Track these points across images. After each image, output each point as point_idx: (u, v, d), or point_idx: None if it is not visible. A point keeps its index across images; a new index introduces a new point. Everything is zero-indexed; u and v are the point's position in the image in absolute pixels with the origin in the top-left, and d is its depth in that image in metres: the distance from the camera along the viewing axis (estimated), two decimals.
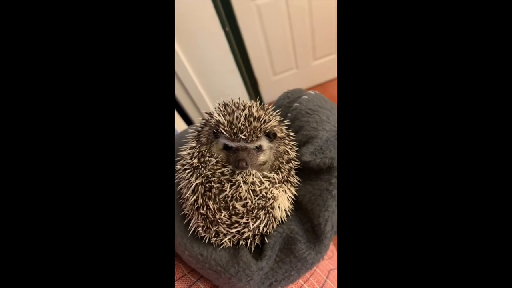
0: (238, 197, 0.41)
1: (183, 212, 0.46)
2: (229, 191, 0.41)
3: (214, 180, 0.42)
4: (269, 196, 0.42)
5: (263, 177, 0.44)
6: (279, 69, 2.14)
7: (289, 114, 0.54)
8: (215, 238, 0.43)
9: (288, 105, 0.56)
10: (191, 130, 0.49)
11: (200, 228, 0.43)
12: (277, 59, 1.98)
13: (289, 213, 0.45)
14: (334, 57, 2.10)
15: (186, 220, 0.46)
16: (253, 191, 0.42)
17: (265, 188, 0.43)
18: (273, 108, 0.51)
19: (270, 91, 2.38)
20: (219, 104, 0.48)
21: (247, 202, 0.41)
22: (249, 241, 0.43)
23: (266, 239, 0.43)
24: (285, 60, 2.01)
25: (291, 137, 0.49)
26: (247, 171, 0.43)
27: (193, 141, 0.47)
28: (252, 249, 0.43)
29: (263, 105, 0.49)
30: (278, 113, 0.50)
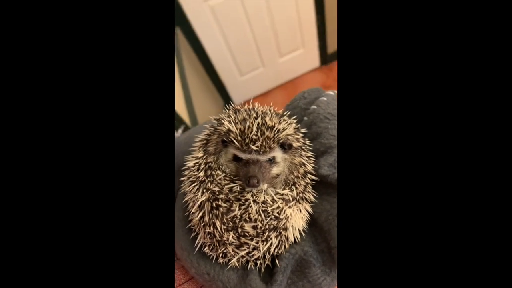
0: (248, 218, 0.38)
1: (189, 225, 0.44)
2: (238, 212, 0.38)
3: (222, 198, 0.39)
4: (281, 216, 0.39)
5: (275, 194, 0.40)
6: (245, 69, 1.97)
7: (305, 118, 0.48)
8: (222, 259, 0.40)
9: (304, 107, 0.51)
10: (198, 138, 0.45)
11: (207, 247, 0.40)
12: (241, 60, 1.84)
13: (302, 233, 0.41)
14: (301, 52, 1.96)
15: (193, 235, 0.43)
16: (264, 211, 0.38)
17: (278, 207, 0.39)
18: (288, 113, 0.45)
19: (240, 92, 2.21)
20: (229, 109, 0.43)
21: (258, 225, 0.38)
22: (258, 262, 0.40)
23: (277, 261, 0.40)
24: (250, 59, 1.87)
25: (308, 147, 0.44)
26: (260, 186, 0.39)
27: (199, 150, 0.43)
28: (262, 270, 0.40)
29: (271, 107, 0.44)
30: (295, 120, 0.45)
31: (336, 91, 0.51)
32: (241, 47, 1.75)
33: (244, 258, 0.40)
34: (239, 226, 0.38)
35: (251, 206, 0.38)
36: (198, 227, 0.41)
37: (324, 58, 2.11)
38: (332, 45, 2.03)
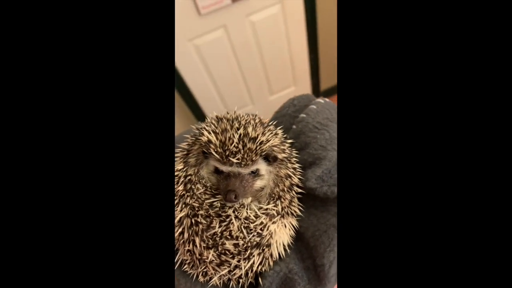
0: (229, 236, 0.36)
1: None
2: (218, 229, 0.36)
3: (201, 214, 0.36)
4: (265, 233, 0.37)
5: (259, 209, 0.38)
6: (233, 107, 1.82)
7: (294, 126, 0.46)
8: (203, 277, 0.38)
9: (293, 114, 0.48)
10: (179, 149, 0.42)
11: (187, 264, 0.38)
12: (229, 98, 1.75)
13: (287, 248, 0.39)
14: (292, 89, 1.87)
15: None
16: (247, 227, 0.36)
17: (261, 223, 0.37)
18: (274, 123, 0.43)
19: None
20: (211, 118, 0.41)
21: (239, 242, 0.36)
22: (241, 280, 0.38)
23: (260, 279, 0.38)
24: (238, 97, 1.78)
25: (295, 159, 0.42)
26: (240, 201, 0.37)
27: (180, 161, 0.41)
28: None
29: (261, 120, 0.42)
30: (281, 129, 0.42)
31: (326, 99, 0.49)
32: (228, 85, 1.68)
33: (226, 277, 0.38)
34: (220, 243, 0.36)
35: (232, 223, 0.36)
36: (177, 243, 0.39)
37: (317, 95, 2.03)
38: (325, 83, 1.96)
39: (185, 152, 0.41)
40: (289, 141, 0.42)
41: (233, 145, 0.36)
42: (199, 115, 1.73)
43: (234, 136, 0.36)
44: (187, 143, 0.42)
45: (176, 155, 0.42)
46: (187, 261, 0.38)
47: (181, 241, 0.38)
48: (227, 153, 0.36)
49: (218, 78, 1.61)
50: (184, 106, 1.66)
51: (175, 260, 0.39)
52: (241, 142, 0.36)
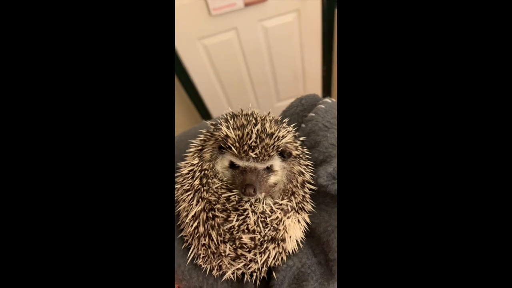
0: (246, 229, 0.36)
1: (181, 235, 0.41)
2: (236, 222, 0.36)
3: (218, 207, 0.37)
4: (280, 227, 0.37)
5: (274, 204, 0.38)
6: (238, 107, 1.80)
7: (303, 125, 0.47)
8: (217, 272, 0.38)
9: (301, 113, 0.50)
10: (193, 144, 0.43)
11: (200, 259, 0.38)
12: (234, 98, 1.73)
13: (300, 244, 0.40)
14: None
15: (184, 245, 0.41)
16: (263, 221, 0.37)
17: (277, 218, 0.37)
18: (287, 120, 0.44)
19: None
20: (226, 114, 0.41)
21: (256, 236, 0.36)
22: (254, 274, 0.38)
23: (274, 273, 0.38)
24: (244, 99, 1.75)
25: (306, 156, 0.43)
26: (257, 195, 0.37)
27: (194, 156, 0.41)
28: (258, 283, 0.39)
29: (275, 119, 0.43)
30: (294, 128, 0.44)
31: (333, 99, 0.50)
32: (235, 87, 1.65)
33: (240, 271, 0.38)
34: (237, 237, 0.36)
35: (249, 217, 0.36)
36: (191, 238, 0.39)
37: None
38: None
39: (199, 148, 0.42)
40: (301, 138, 0.44)
41: (252, 140, 0.36)
42: (204, 113, 1.70)
43: (252, 132, 0.37)
44: (201, 138, 0.42)
45: (190, 150, 0.42)
46: (201, 255, 0.38)
47: (196, 235, 0.38)
48: (245, 148, 0.37)
49: (225, 79, 1.59)
50: (190, 103, 1.64)
51: (188, 256, 0.39)
52: (258, 138, 0.37)
